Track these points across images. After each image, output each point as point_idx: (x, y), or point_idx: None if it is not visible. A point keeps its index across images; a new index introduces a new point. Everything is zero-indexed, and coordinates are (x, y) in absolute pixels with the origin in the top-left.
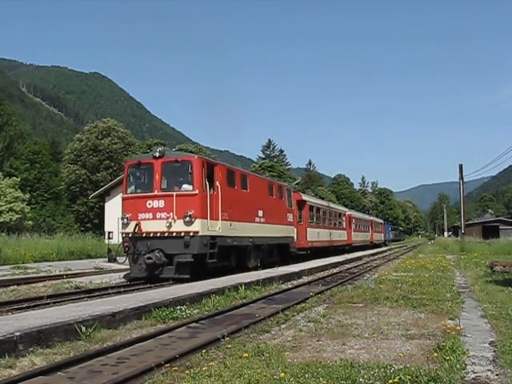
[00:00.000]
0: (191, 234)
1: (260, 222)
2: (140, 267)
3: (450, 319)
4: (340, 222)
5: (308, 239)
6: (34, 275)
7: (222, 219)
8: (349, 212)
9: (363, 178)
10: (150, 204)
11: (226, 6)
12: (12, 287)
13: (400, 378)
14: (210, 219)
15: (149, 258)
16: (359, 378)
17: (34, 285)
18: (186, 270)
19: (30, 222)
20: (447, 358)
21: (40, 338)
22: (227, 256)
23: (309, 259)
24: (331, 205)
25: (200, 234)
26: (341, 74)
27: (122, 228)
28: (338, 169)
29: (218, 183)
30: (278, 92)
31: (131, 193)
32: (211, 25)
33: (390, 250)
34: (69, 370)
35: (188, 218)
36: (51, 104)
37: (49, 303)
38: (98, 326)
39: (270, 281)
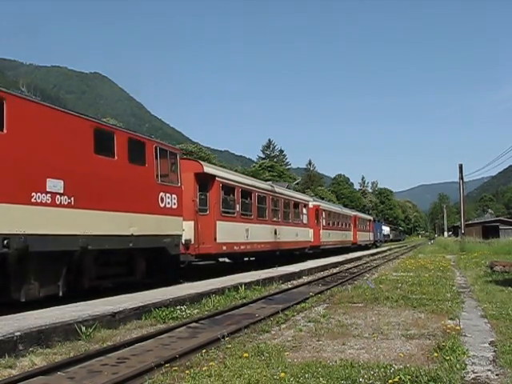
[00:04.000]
0: None
1: (56, 205)
2: None
3: (450, 319)
4: (298, 216)
5: (219, 240)
6: None
7: None
8: (316, 203)
9: (363, 177)
10: None
11: (228, 5)
12: None
13: (400, 378)
14: None
15: None
16: (359, 377)
17: None
18: None
19: None
20: (447, 358)
21: (40, 338)
22: None
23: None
24: (278, 189)
25: None
26: (341, 73)
27: None
28: (338, 169)
29: None
30: (277, 92)
31: None
32: (210, 23)
33: (389, 249)
34: (69, 370)
35: None
36: (51, 104)
37: (49, 303)
38: (97, 326)
39: (269, 281)
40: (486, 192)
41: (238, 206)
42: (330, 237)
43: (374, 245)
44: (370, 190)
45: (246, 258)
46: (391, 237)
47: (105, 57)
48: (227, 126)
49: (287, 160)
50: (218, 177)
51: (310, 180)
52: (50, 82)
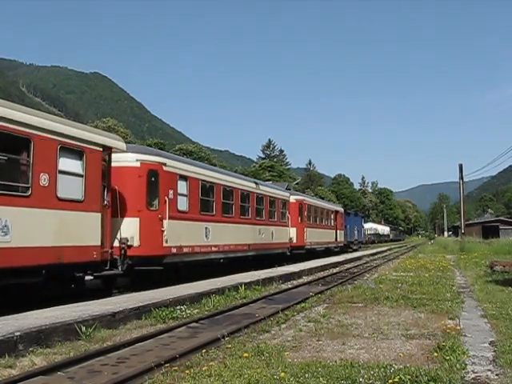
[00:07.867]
0: None
1: None
2: None
3: (450, 319)
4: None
5: None
6: None
7: None
8: (165, 159)
9: (363, 177)
10: None
11: (228, 4)
12: None
13: (400, 378)
14: None
15: None
16: (359, 377)
17: None
18: None
19: None
20: (447, 357)
21: (40, 337)
22: None
23: None
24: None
25: None
26: (341, 73)
27: None
28: (338, 169)
29: None
30: (278, 92)
31: None
32: (211, 22)
33: (389, 249)
34: (69, 370)
35: None
36: (51, 104)
37: (49, 303)
38: (97, 326)
39: (269, 281)
40: (485, 192)
41: None
42: (217, 237)
43: (349, 248)
44: (370, 190)
45: None
46: (391, 237)
47: (103, 56)
48: (227, 126)
49: (287, 160)
50: None
51: (310, 180)
52: (50, 82)
